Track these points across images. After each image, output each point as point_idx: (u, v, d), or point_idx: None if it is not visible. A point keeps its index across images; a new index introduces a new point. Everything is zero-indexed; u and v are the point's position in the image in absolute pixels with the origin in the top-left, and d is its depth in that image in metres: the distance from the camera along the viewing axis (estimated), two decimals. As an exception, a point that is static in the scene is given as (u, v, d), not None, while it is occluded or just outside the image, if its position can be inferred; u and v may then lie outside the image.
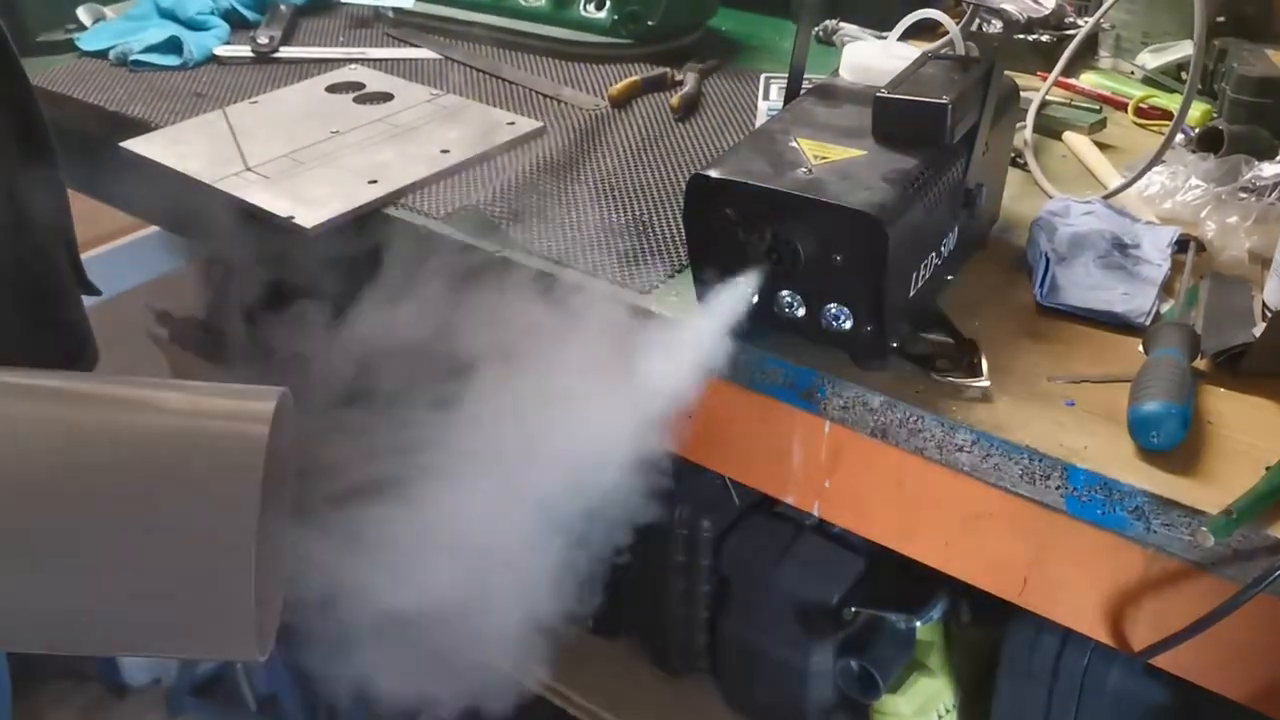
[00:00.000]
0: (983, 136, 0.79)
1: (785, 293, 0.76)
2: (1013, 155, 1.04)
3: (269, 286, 1.45)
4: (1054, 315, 0.82)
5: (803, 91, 0.86)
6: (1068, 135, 1.08)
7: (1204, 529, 0.62)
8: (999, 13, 1.20)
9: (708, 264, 0.77)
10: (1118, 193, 0.93)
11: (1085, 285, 0.83)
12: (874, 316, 0.74)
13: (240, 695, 1.98)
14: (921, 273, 0.77)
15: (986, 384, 0.74)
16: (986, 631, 0.88)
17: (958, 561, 0.78)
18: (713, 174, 0.73)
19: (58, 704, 2.02)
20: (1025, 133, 1.06)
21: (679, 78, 1.22)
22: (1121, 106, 1.13)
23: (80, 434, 0.49)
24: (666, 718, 1.10)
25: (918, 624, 0.90)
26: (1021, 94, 1.09)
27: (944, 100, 0.74)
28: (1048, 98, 1.12)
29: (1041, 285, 0.83)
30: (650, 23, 1.27)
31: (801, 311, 0.76)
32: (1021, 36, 1.23)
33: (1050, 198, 0.95)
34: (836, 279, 0.73)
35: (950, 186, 0.78)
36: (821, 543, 0.99)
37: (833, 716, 1.03)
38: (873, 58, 0.86)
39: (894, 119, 0.76)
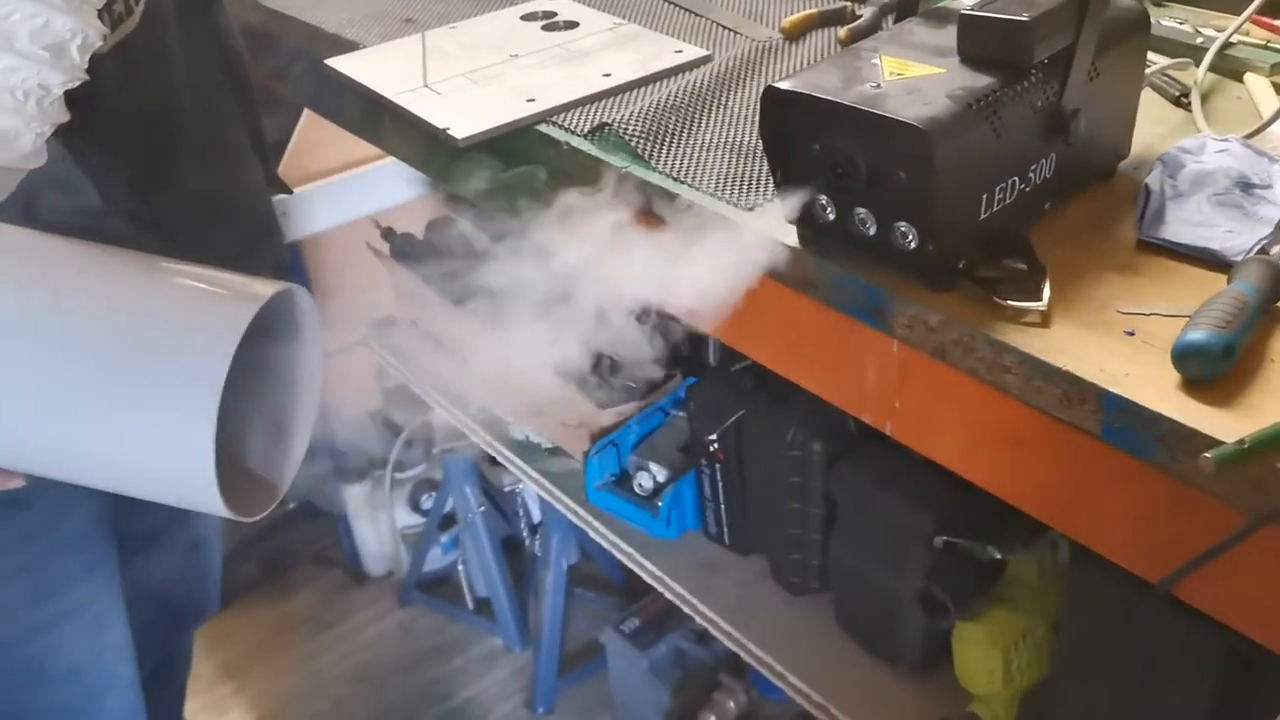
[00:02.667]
0: (1082, 61, 0.78)
1: (859, 210, 0.78)
2: (1178, 94, 1.00)
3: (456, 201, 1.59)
4: (1151, 250, 0.80)
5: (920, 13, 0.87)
6: (1249, 77, 1.02)
7: (1208, 455, 0.60)
8: None
9: (786, 179, 0.81)
10: (1258, 132, 0.87)
11: (1191, 222, 0.80)
12: (936, 235, 0.75)
13: (461, 595, 2.17)
14: (998, 195, 0.77)
15: (1043, 308, 0.73)
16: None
17: (1010, 485, 0.78)
18: (782, 85, 0.76)
19: (305, 584, 2.29)
20: (1197, 72, 1.00)
21: (859, 12, 1.23)
22: (1324, 49, 1.05)
23: (92, 285, 0.57)
24: (783, 633, 1.14)
25: (1002, 555, 0.89)
26: (1214, 33, 1.04)
27: (1024, 17, 0.73)
28: (1241, 38, 1.05)
29: (1141, 219, 0.80)
30: (839, -42, 1.28)
31: (873, 230, 0.78)
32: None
33: (1200, 136, 0.91)
34: (901, 196, 0.74)
35: (1037, 109, 0.77)
36: (927, 472, 0.99)
37: (931, 643, 1.03)
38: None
39: (976, 37, 0.76)
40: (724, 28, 1.25)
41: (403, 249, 1.56)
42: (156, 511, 1.19)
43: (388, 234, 1.58)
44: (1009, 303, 0.74)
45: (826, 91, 0.75)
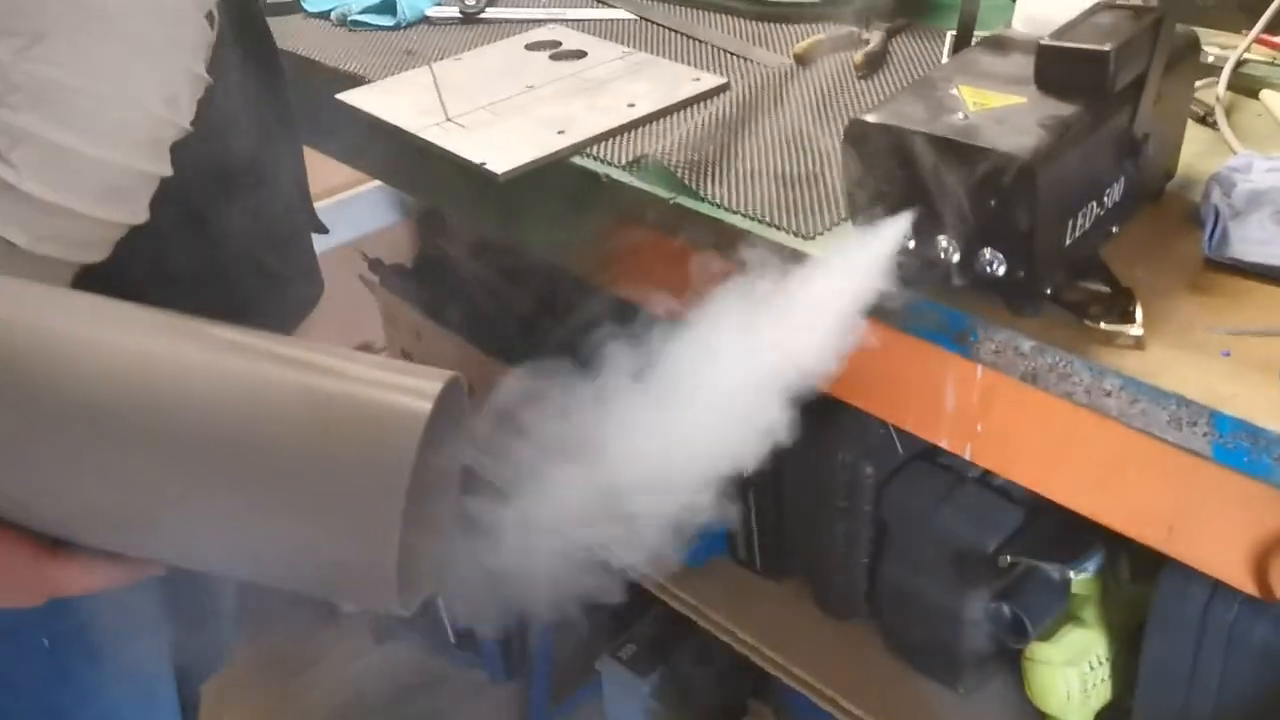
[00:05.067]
0: (1152, 86, 0.79)
1: (941, 238, 0.78)
2: (1203, 114, 1.02)
3: (468, 237, 1.56)
4: (1221, 269, 0.81)
5: (974, 43, 0.88)
6: (1265, 94, 1.05)
7: (1345, 474, 0.62)
8: None
9: (866, 209, 0.80)
10: (1303, 149, 0.90)
11: (1257, 240, 0.81)
12: (1027, 262, 0.75)
13: (441, 628, 2.13)
14: (1080, 221, 0.78)
15: (1140, 331, 0.74)
16: (1143, 587, 0.88)
17: (1103, 507, 0.79)
18: (870, 119, 0.76)
19: (278, 624, 2.21)
20: (1218, 89, 1.03)
21: (865, 36, 1.24)
22: (1328, 65, 1.09)
23: (263, 390, 0.54)
24: (827, 658, 1.14)
25: (1072, 575, 0.91)
26: (1220, 52, 1.08)
27: (1106, 48, 0.74)
28: (1248, 56, 1.08)
29: (1210, 238, 0.82)
30: (837, -18, 1.29)
31: (957, 257, 0.78)
32: (1225, -6, 1.19)
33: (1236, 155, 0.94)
34: (990, 224, 0.75)
35: (1113, 135, 0.78)
36: (981, 493, 1.01)
37: (986, 663, 1.04)
38: (1047, 9, 0.86)
39: (1055, 66, 0.77)
40: (730, 53, 1.25)
41: (392, 279, 1.53)
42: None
43: (375, 265, 1.55)
44: (1102, 326, 0.75)
45: (917, 124, 0.75)
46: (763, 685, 1.37)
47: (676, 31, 1.31)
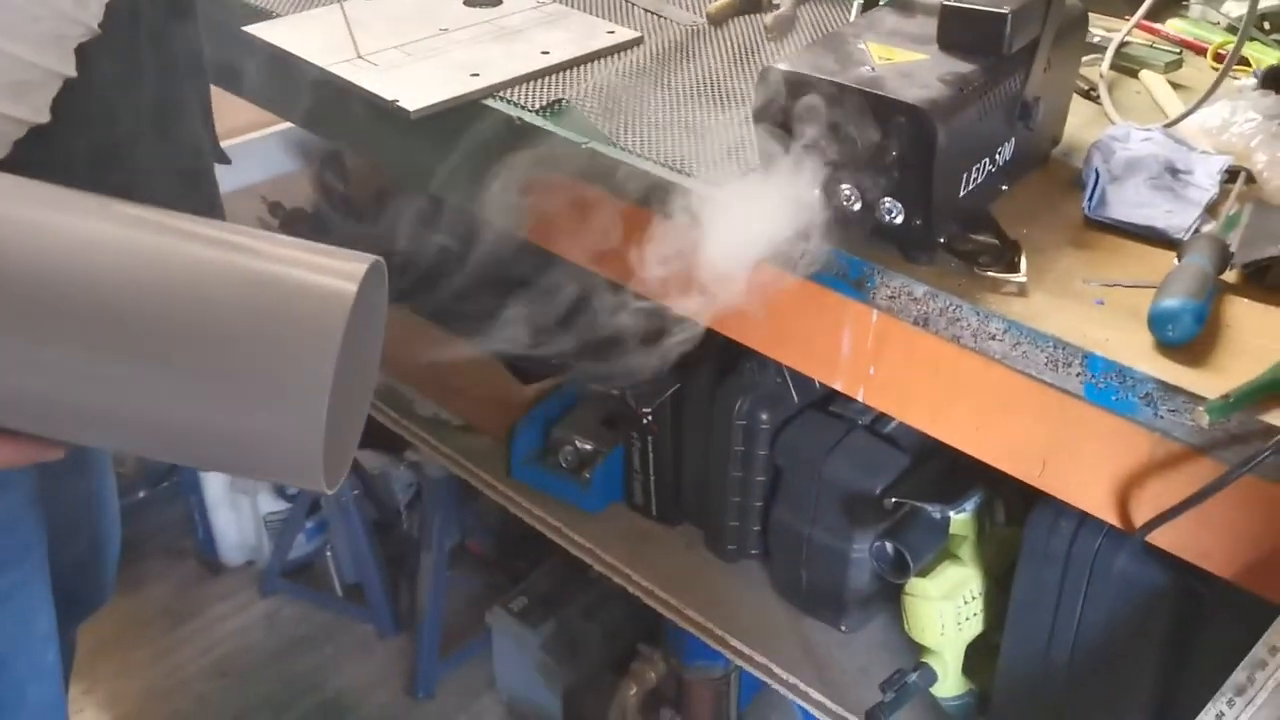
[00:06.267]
0: (1043, 53, 0.84)
1: (844, 187, 0.82)
2: (1087, 88, 1.09)
3: (369, 182, 1.56)
4: (1100, 228, 0.87)
5: (881, 3, 0.92)
6: (1144, 74, 1.12)
7: (1201, 410, 0.67)
8: None
9: (774, 157, 0.84)
10: (1177, 122, 0.97)
11: (1132, 203, 0.88)
12: (923, 211, 0.80)
13: (329, 581, 2.12)
14: (973, 175, 0.83)
15: (1024, 279, 0.79)
16: (1017, 529, 0.94)
17: (984, 444, 0.84)
18: (781, 67, 0.80)
19: (157, 578, 2.18)
20: (1101, 67, 1.10)
21: (776, 2, 1.28)
22: (1202, 52, 1.16)
23: (193, 266, 0.55)
24: (719, 600, 1.18)
25: (952, 514, 0.96)
26: (1105, 34, 1.14)
27: (1004, 10, 0.79)
28: (1130, 39, 1.15)
29: (1090, 199, 0.88)
30: (749, -53, 1.32)
31: (858, 205, 0.82)
32: (1112, -20, 1.26)
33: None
34: (890, 173, 0.79)
35: (1007, 95, 0.83)
36: (870, 440, 1.05)
37: (869, 603, 1.10)
38: (948, -25, 0.91)
39: (957, 26, 0.81)
40: (645, 10, 1.27)
41: (292, 222, 1.52)
42: (66, 492, 1.14)
43: (275, 208, 1.53)
44: (989, 274, 0.80)
45: (827, 74, 0.78)
46: (654, 630, 1.41)
47: (590, -15, 1.33)
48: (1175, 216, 0.86)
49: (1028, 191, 0.92)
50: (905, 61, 0.80)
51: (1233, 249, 0.80)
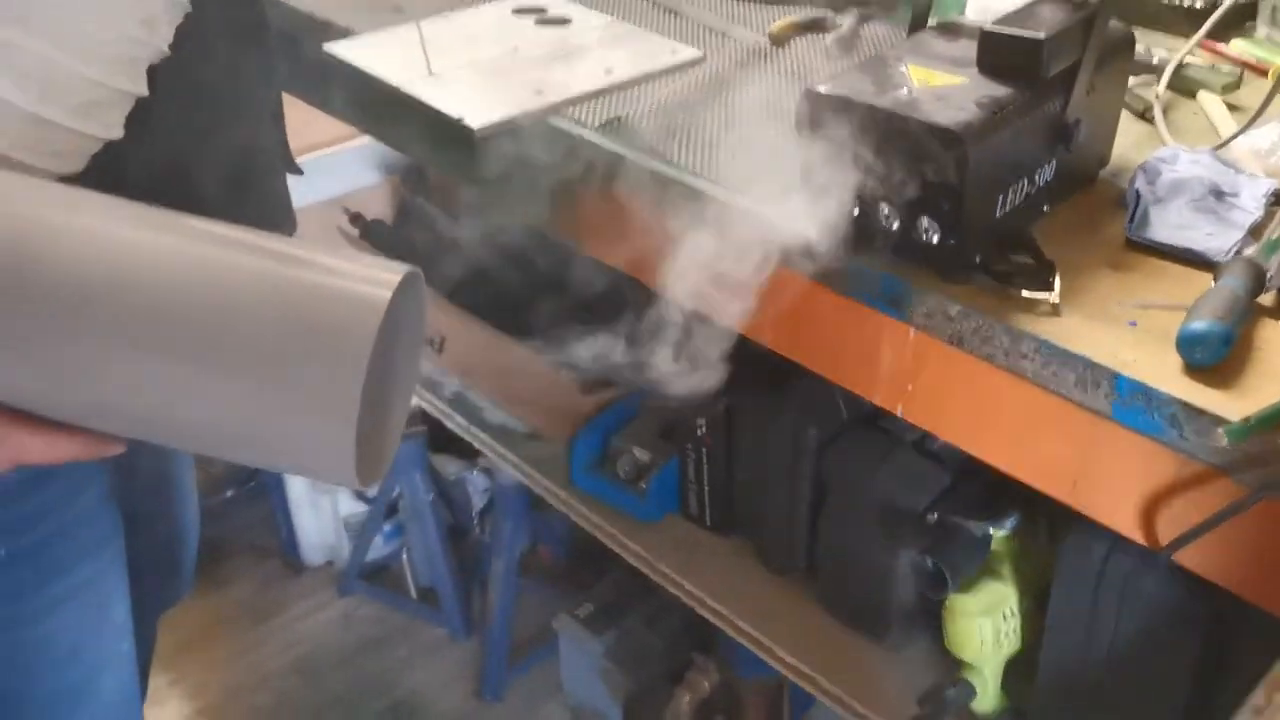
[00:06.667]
0: (1084, 76, 0.85)
1: (883, 206, 0.84)
2: (1141, 109, 1.09)
3: (446, 194, 1.62)
4: (1140, 250, 0.88)
5: (928, 27, 0.94)
6: (1201, 95, 1.11)
7: (1220, 431, 0.68)
8: None
9: (815, 177, 0.86)
10: (1225, 144, 0.97)
11: (1174, 225, 0.88)
12: (958, 231, 0.81)
13: (404, 584, 2.18)
14: (1010, 196, 0.84)
15: (1056, 300, 0.80)
16: (1056, 546, 0.94)
17: (1018, 462, 0.85)
18: (821, 89, 0.82)
19: (242, 576, 2.27)
20: (1158, 88, 1.10)
21: (839, 21, 1.30)
22: (1264, 73, 1.15)
23: (240, 274, 0.59)
24: (767, 611, 1.20)
25: (992, 532, 0.97)
26: (1165, 54, 1.14)
27: (1040, 35, 0.80)
28: (1191, 60, 1.15)
29: (1131, 220, 0.88)
30: (814, -32, 1.35)
31: (896, 224, 0.84)
32: (1176, 3, 1.25)
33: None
34: (925, 193, 0.81)
35: (1046, 118, 0.84)
36: (915, 457, 1.07)
37: (913, 619, 1.11)
38: (998, 0, 0.92)
39: (995, 51, 0.83)
40: (710, 29, 1.30)
41: (373, 234, 1.58)
42: (146, 488, 1.20)
43: (356, 219, 1.60)
44: (1024, 294, 0.81)
45: (864, 96, 0.81)
46: (709, 640, 1.43)
47: (661, 6, 1.37)
48: (1216, 239, 0.86)
49: (1071, 212, 0.93)
50: (943, 85, 0.82)
51: (1270, 272, 0.80)
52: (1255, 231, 0.87)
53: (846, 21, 1.28)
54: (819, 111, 0.83)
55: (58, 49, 0.65)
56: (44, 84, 0.66)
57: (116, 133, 0.72)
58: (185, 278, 0.58)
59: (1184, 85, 1.13)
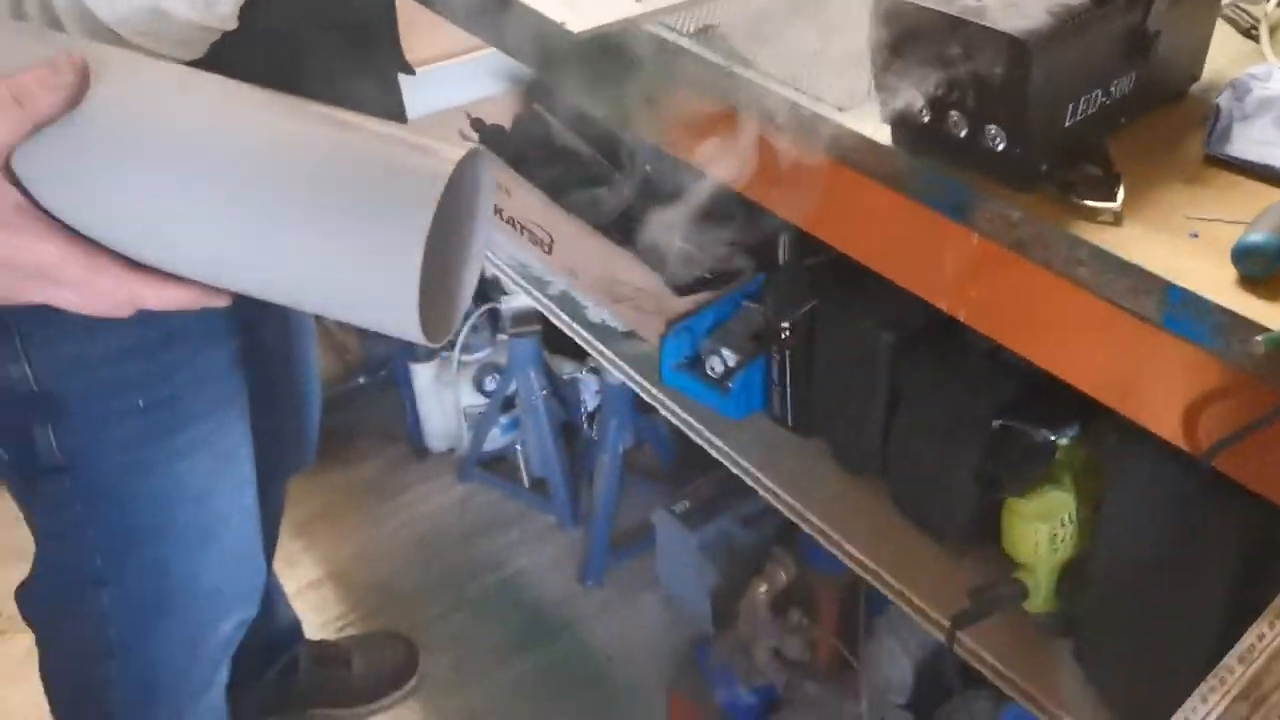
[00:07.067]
0: (1167, -13, 0.85)
1: (953, 113, 0.86)
2: (1247, 25, 1.06)
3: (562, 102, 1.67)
4: (1219, 165, 0.87)
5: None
6: (1318, 11, 1.08)
7: (1258, 338, 0.69)
8: None
9: (889, 82, 0.89)
10: (1324, 61, 0.95)
11: (1256, 140, 0.87)
12: (1023, 139, 0.83)
13: (518, 474, 2.30)
14: (1081, 106, 0.85)
15: (1117, 208, 0.81)
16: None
17: (1073, 368, 0.87)
18: (894, -4, 0.84)
19: (372, 456, 2.41)
20: (1267, 5, 1.07)
21: (947, -67, 1.29)
22: (1394, -10, 1.11)
23: (326, 140, 0.66)
24: (839, 508, 1.25)
25: (1054, 439, 0.99)
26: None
27: (1116, -56, 0.81)
28: (1312, -25, 1.11)
29: (1210, 135, 0.88)
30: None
31: (964, 132, 0.86)
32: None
33: (1267, 65, 0.98)
34: (992, 100, 0.82)
35: (1121, 29, 0.84)
36: (985, 364, 1.09)
37: (977, 522, 1.14)
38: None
39: (1071, -40, 0.83)
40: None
41: (492, 138, 1.65)
42: (273, 359, 1.31)
43: (477, 124, 1.67)
44: (1085, 202, 0.82)
45: (935, 2, 0.82)
46: (788, 534, 1.49)
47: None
48: (1297, 156, 0.85)
49: (1154, 126, 0.93)
50: (1018, -7, 0.83)
51: (1347, 190, 0.80)
52: (1345, 149, 0.86)
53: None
54: (891, 17, 0.85)
55: None
56: None
57: (231, 24, 0.79)
58: (277, 141, 0.65)
59: (1301, 1, 1.10)
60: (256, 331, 1.21)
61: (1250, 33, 1.05)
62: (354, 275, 0.64)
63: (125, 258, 0.66)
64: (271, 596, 1.62)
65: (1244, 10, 1.08)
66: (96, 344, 1.00)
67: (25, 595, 1.28)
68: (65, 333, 0.98)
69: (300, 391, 1.41)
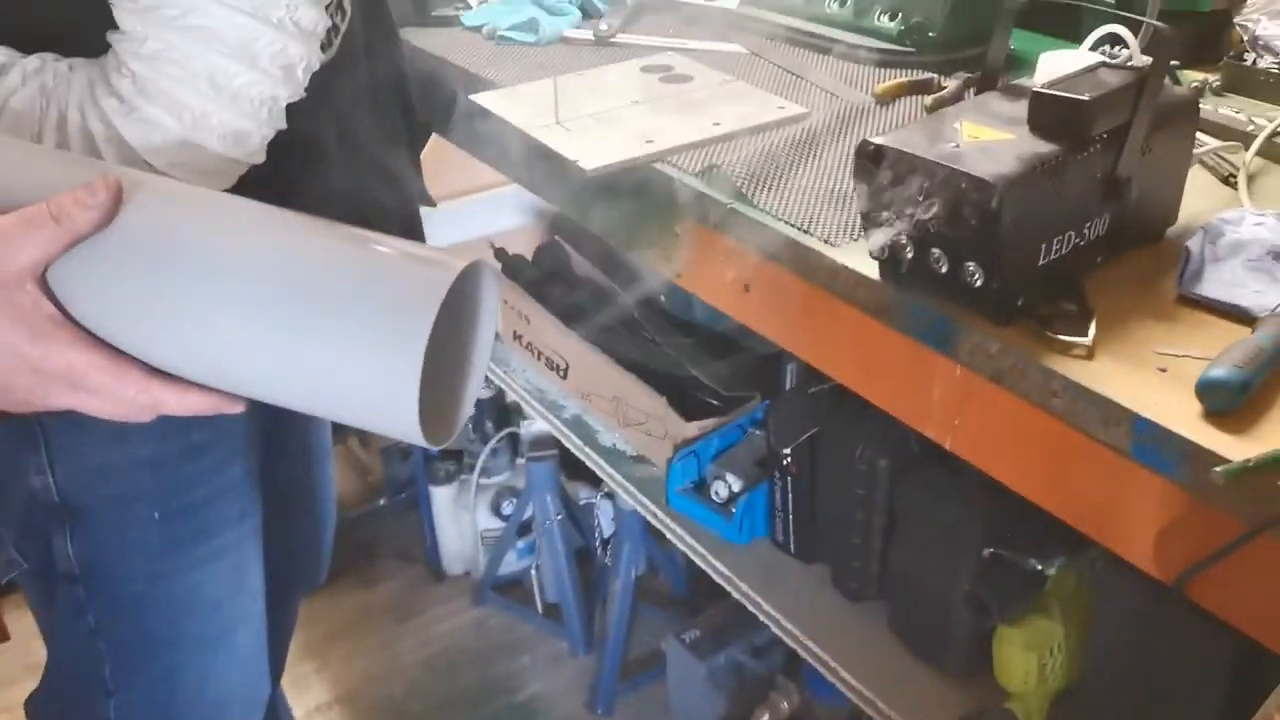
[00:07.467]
0: (1136, 137, 0.90)
1: (934, 250, 0.91)
2: (1226, 174, 1.12)
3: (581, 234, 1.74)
4: (1189, 304, 0.91)
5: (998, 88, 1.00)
6: (1294, 162, 1.13)
7: (1217, 470, 0.72)
8: (1269, 48, 1.28)
9: (873, 223, 0.94)
10: (1292, 208, 0.99)
11: (1226, 282, 0.91)
12: (1000, 275, 0.87)
13: (532, 598, 2.31)
14: (1055, 245, 0.89)
15: (1088, 343, 0.85)
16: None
17: (1053, 498, 0.90)
18: (876, 140, 0.90)
19: (390, 577, 2.44)
20: (1246, 154, 1.12)
21: (944, 83, 1.36)
22: (1364, 143, 1.16)
23: (334, 252, 0.71)
24: (839, 635, 1.26)
25: (1041, 568, 1.00)
26: (1264, 123, 1.16)
27: (1085, 97, 0.86)
28: (1289, 127, 1.17)
29: (1182, 276, 0.92)
30: (931, 34, 1.42)
31: (945, 267, 0.90)
32: (1286, 70, 1.27)
33: (1243, 211, 1.03)
34: (971, 240, 0.87)
35: (1092, 175, 0.89)
36: (978, 491, 1.11)
37: (974, 650, 1.14)
38: (1063, 64, 0.98)
39: (1043, 110, 0.89)
40: (822, 90, 1.39)
41: (513, 267, 1.72)
42: (290, 478, 1.35)
43: (500, 253, 1.74)
44: (1059, 337, 0.86)
45: (913, 148, 0.88)
46: (794, 663, 1.49)
47: (777, 65, 1.46)
48: (1264, 297, 0.89)
49: (1130, 265, 0.97)
50: (991, 140, 0.89)
51: (1309, 330, 0.83)
52: (1310, 293, 0.90)
53: (952, 84, 1.34)
54: (872, 161, 0.90)
55: (210, 92, 0.80)
56: (196, 117, 0.80)
57: (259, 158, 0.86)
58: (292, 259, 0.70)
59: (1278, 153, 1.15)
60: (275, 447, 1.25)
61: (1229, 180, 1.10)
62: (359, 380, 0.68)
63: (148, 365, 0.71)
64: (278, 716, 1.63)
65: (1223, 158, 1.14)
66: (117, 455, 1.04)
67: (33, 704, 1.30)
68: (90, 443, 1.02)
69: (316, 509, 1.45)
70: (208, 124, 0.80)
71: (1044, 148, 0.87)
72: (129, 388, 0.70)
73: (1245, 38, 1.34)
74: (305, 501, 1.42)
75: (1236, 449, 0.75)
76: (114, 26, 0.81)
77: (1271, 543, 0.73)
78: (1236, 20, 1.36)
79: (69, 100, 0.82)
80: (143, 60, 0.80)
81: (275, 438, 1.24)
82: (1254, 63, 1.31)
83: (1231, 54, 1.33)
